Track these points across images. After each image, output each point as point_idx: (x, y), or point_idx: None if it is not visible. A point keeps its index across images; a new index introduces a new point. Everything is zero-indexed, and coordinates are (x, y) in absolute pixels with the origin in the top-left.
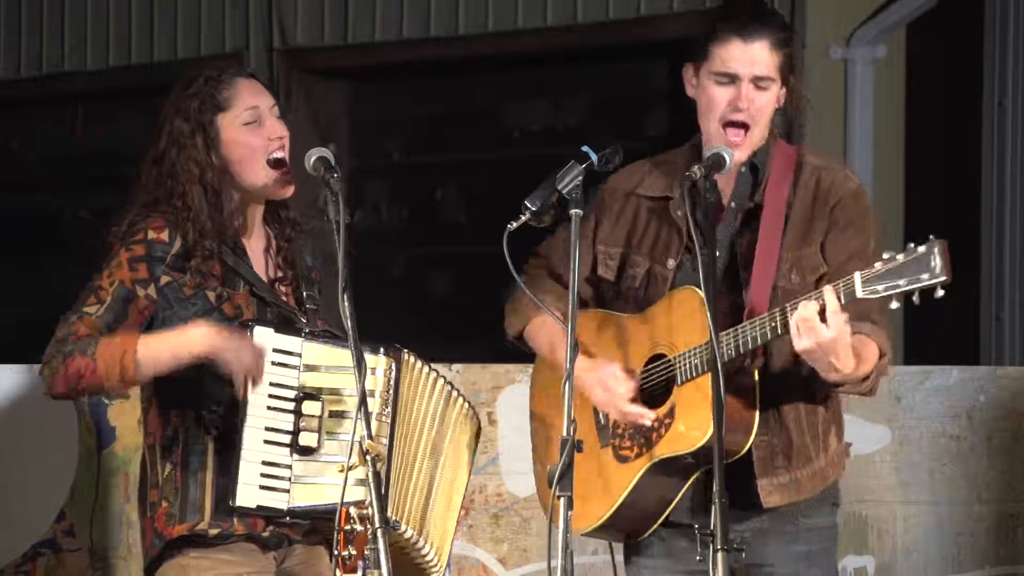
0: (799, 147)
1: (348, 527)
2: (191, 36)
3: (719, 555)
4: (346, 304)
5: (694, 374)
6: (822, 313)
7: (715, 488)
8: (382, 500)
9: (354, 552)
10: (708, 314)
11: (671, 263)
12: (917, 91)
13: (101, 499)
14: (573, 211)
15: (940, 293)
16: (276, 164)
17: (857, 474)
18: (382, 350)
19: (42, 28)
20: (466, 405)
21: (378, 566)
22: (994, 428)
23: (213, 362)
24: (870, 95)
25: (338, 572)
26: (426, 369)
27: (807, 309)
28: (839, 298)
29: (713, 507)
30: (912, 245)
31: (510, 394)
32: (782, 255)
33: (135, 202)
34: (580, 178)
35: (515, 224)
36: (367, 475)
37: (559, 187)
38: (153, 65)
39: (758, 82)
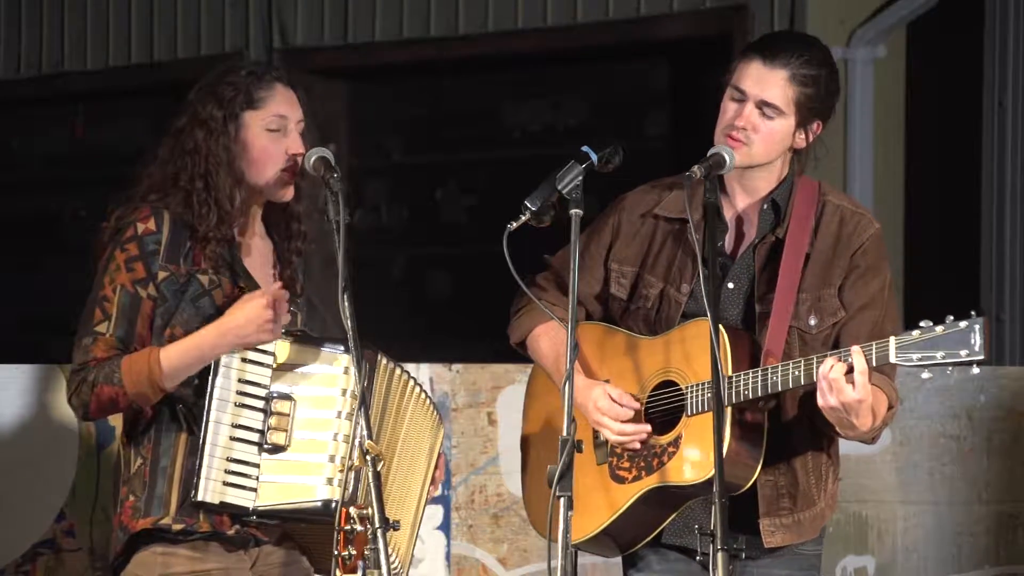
0: (820, 183)
1: (348, 527)
2: (191, 36)
3: (719, 555)
4: (346, 304)
5: (706, 408)
6: (849, 372)
7: (715, 488)
8: (382, 500)
9: (354, 552)
10: (710, 314)
11: (685, 288)
12: (917, 91)
13: (101, 499)
14: (573, 211)
15: (976, 371)
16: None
17: (857, 474)
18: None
19: (42, 28)
20: (435, 410)
21: (378, 566)
22: (994, 428)
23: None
24: (870, 95)
25: (338, 572)
26: (403, 374)
27: (836, 369)
28: (870, 361)
29: (713, 507)
30: (951, 319)
31: (510, 394)
32: (802, 296)
33: (146, 176)
34: (580, 178)
35: (515, 224)
36: (367, 475)
37: (559, 187)
38: (153, 65)
39: (764, 107)
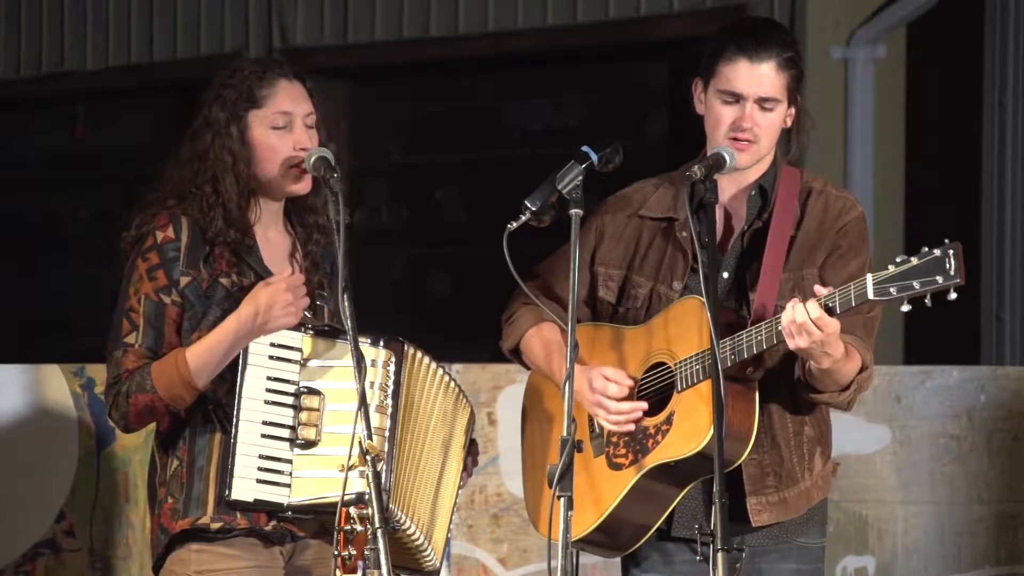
0: (802, 170)
1: (348, 527)
2: (191, 36)
3: (719, 555)
4: (346, 304)
5: (694, 380)
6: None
7: (715, 488)
8: (382, 500)
9: (354, 552)
10: (709, 316)
11: (677, 285)
12: (917, 91)
13: (101, 499)
14: (573, 211)
15: (953, 296)
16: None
17: (857, 474)
18: (382, 342)
19: (42, 28)
20: (465, 399)
21: (378, 566)
22: (994, 428)
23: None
24: (870, 95)
25: (338, 572)
26: (431, 363)
27: (798, 313)
28: (849, 301)
29: (713, 507)
30: (926, 248)
31: (510, 394)
32: (784, 275)
33: (167, 177)
34: (580, 178)
35: (515, 224)
36: (367, 475)
37: (559, 187)
38: (153, 65)
39: (763, 103)
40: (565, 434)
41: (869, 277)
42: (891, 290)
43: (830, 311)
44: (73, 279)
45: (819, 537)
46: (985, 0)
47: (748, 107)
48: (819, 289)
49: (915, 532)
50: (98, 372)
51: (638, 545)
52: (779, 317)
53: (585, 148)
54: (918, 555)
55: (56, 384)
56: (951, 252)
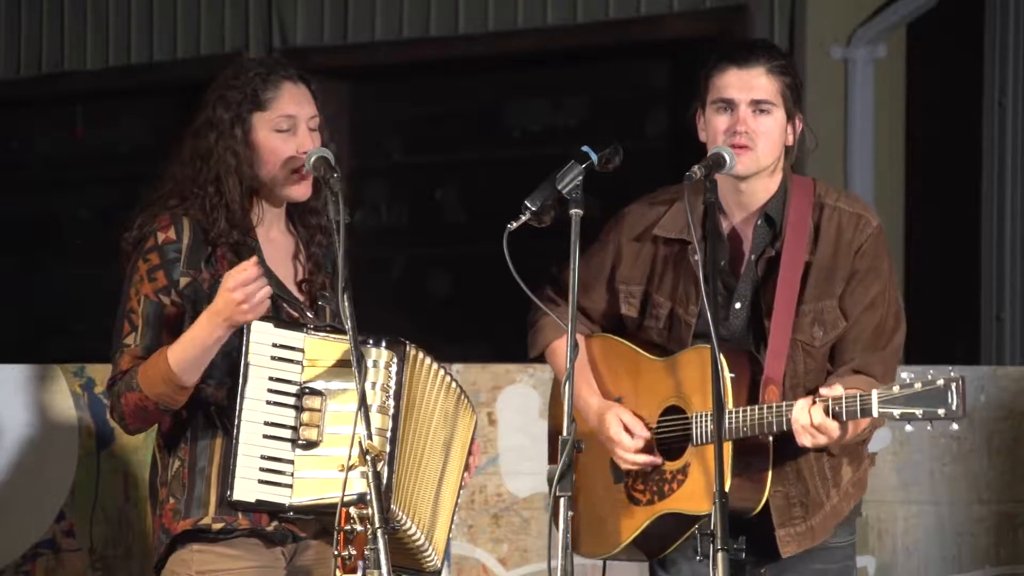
0: (815, 182)
1: (348, 527)
2: (191, 36)
3: (719, 555)
4: (346, 304)
5: (710, 439)
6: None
7: (715, 488)
8: (382, 500)
9: (354, 552)
10: (712, 346)
11: (693, 309)
12: (917, 91)
13: (101, 499)
14: (573, 211)
15: (955, 427)
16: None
17: None
18: (384, 343)
19: (42, 28)
20: (467, 400)
21: (378, 566)
22: (994, 428)
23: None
24: (870, 95)
25: (338, 572)
26: (433, 364)
27: (804, 416)
28: (853, 413)
29: (713, 507)
30: (931, 375)
31: (510, 394)
32: (804, 308)
33: (168, 177)
34: (580, 178)
35: (515, 224)
36: (367, 475)
37: (559, 187)
38: (153, 65)
39: (757, 106)
40: (565, 434)
41: (875, 395)
42: (895, 413)
43: (836, 416)
44: (73, 279)
45: (848, 535)
46: (985, 0)
47: (741, 111)
48: (824, 391)
49: (915, 532)
50: (98, 372)
51: (664, 554)
52: (791, 404)
53: (585, 148)
54: (918, 555)
55: (56, 384)
56: (953, 387)
